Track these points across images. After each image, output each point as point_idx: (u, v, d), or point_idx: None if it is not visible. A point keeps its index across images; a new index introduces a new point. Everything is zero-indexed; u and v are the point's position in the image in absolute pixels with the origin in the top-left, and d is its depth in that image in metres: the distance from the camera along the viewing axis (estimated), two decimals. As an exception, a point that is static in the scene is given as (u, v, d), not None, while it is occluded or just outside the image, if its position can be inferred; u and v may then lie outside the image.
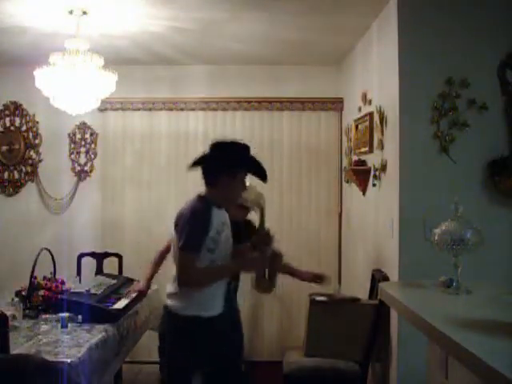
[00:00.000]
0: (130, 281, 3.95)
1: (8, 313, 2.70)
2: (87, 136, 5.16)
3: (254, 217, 3.14)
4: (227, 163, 2.63)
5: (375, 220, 3.75)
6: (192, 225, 2.54)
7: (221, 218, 2.64)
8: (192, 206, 2.60)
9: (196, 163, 2.68)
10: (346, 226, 4.88)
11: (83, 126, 5.15)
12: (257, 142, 5.03)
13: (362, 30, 4.02)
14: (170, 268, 2.77)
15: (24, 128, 5.20)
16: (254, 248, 2.77)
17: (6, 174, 5.19)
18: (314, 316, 3.38)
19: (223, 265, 2.64)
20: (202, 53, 4.68)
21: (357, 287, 4.10)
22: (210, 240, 2.55)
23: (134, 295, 3.52)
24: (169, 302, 2.65)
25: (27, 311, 3.21)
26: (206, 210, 2.58)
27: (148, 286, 3.64)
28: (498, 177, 3.11)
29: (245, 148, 2.70)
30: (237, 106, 5.05)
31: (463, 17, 3.19)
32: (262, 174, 2.72)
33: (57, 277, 3.57)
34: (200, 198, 2.65)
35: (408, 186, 3.18)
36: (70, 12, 3.58)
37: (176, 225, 2.60)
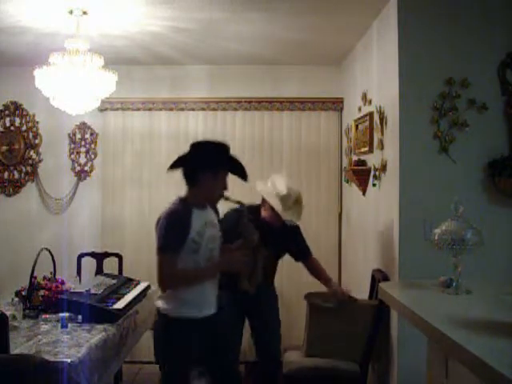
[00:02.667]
0: (130, 281, 3.95)
1: (8, 313, 2.70)
2: (87, 136, 5.16)
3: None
4: (206, 162, 2.64)
5: (375, 220, 3.75)
6: (168, 227, 2.56)
7: (204, 218, 2.65)
8: (168, 210, 2.63)
9: (176, 164, 2.69)
10: (346, 226, 4.88)
11: (83, 126, 5.15)
12: (257, 142, 5.05)
13: (362, 30, 4.02)
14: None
15: (24, 128, 5.20)
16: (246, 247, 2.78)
17: (6, 174, 5.19)
18: (314, 316, 3.38)
19: (203, 266, 2.63)
20: (202, 53, 4.68)
21: (357, 287, 4.10)
22: (190, 241, 2.56)
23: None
24: (159, 303, 2.66)
25: (27, 311, 3.21)
26: (184, 212, 2.58)
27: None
28: (498, 177, 3.11)
29: (224, 147, 2.71)
30: (237, 106, 5.05)
31: (463, 17, 3.19)
32: (241, 173, 2.74)
33: (57, 277, 3.57)
34: (180, 200, 2.67)
35: (408, 186, 3.18)
36: (70, 12, 3.58)
37: (156, 228, 2.63)
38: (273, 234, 3.28)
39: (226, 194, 2.75)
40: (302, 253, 3.56)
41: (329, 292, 3.43)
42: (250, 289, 2.92)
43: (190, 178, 2.67)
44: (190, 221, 2.57)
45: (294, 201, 3.32)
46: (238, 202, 2.84)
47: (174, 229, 2.56)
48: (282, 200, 3.27)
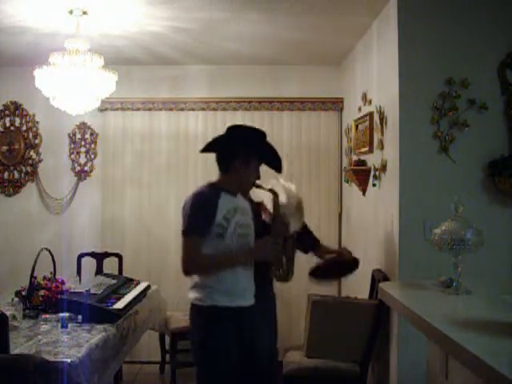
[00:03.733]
0: (130, 281, 3.95)
1: (8, 313, 2.70)
2: (87, 136, 5.16)
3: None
4: (241, 149, 2.56)
5: (375, 220, 3.75)
6: (194, 209, 2.47)
7: (233, 203, 2.55)
8: (196, 192, 2.54)
9: (209, 147, 2.61)
10: (346, 226, 4.88)
11: (83, 126, 5.15)
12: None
13: (362, 30, 4.02)
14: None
15: (24, 128, 5.20)
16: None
17: (6, 174, 5.19)
18: (314, 316, 3.38)
19: (229, 252, 2.50)
20: (202, 53, 4.68)
21: (357, 287, 4.10)
22: (217, 225, 2.47)
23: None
24: (191, 294, 2.54)
25: (27, 311, 3.21)
26: (212, 195, 2.50)
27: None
28: (498, 177, 3.11)
29: (261, 135, 2.63)
30: (237, 106, 5.05)
31: (463, 17, 3.19)
32: (276, 164, 2.66)
33: (57, 277, 3.56)
34: (209, 184, 2.59)
35: (408, 186, 3.18)
36: (70, 12, 3.58)
37: (182, 211, 2.54)
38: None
39: (258, 182, 2.66)
40: (312, 246, 3.39)
41: (336, 251, 3.36)
42: (282, 279, 2.80)
43: (222, 163, 2.59)
44: (216, 204, 2.48)
45: (293, 210, 3.26)
46: (271, 191, 2.73)
47: (199, 211, 2.46)
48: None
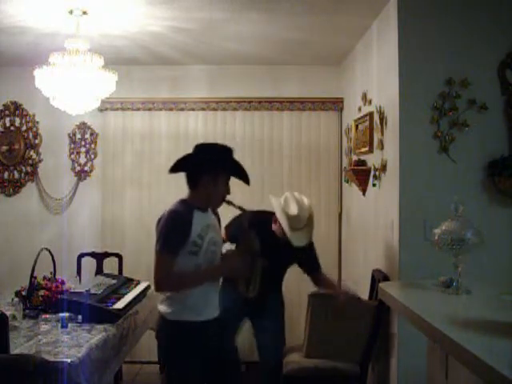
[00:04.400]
0: (130, 281, 3.95)
1: (8, 313, 2.70)
2: (87, 136, 5.16)
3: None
4: (208, 165, 2.61)
5: (375, 220, 3.75)
6: (168, 228, 2.53)
7: (205, 221, 2.62)
8: (170, 210, 2.59)
9: (177, 166, 2.65)
10: (346, 226, 4.88)
11: (83, 126, 5.15)
12: (257, 142, 5.05)
13: (362, 30, 4.02)
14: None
15: (24, 128, 5.20)
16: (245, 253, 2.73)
17: (6, 174, 5.19)
18: (315, 316, 3.38)
19: (201, 269, 2.59)
20: (202, 53, 4.68)
21: (357, 287, 4.10)
22: (191, 244, 2.52)
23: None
24: (160, 307, 2.64)
25: (27, 311, 3.21)
26: (186, 213, 2.55)
27: None
28: (498, 177, 3.11)
29: (226, 150, 2.67)
30: (237, 106, 5.05)
31: (463, 17, 3.19)
32: (243, 177, 2.70)
33: (57, 277, 3.57)
34: (181, 201, 2.64)
35: (408, 186, 3.18)
36: (70, 12, 3.58)
37: (156, 228, 2.60)
38: (280, 245, 3.24)
39: (228, 198, 2.70)
40: (311, 268, 3.51)
41: (334, 292, 3.39)
42: (247, 295, 2.84)
43: (191, 180, 2.64)
44: (191, 223, 2.54)
45: (304, 222, 3.25)
46: (240, 208, 2.78)
47: (174, 230, 2.53)
48: (289, 220, 3.20)
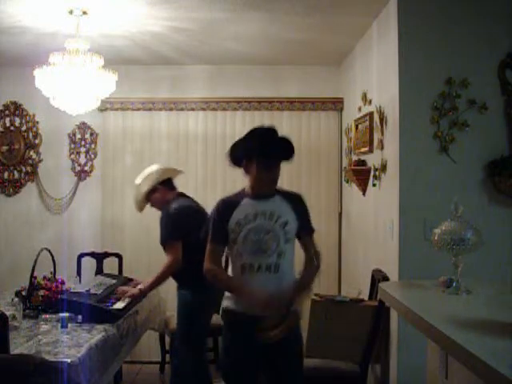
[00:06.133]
0: (130, 281, 3.94)
1: (8, 313, 2.69)
2: (87, 136, 5.16)
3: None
4: (243, 150, 2.60)
5: (375, 220, 3.75)
6: (210, 217, 2.65)
7: (255, 208, 2.54)
8: (219, 199, 2.67)
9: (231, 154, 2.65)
10: (346, 226, 4.88)
11: (83, 126, 5.15)
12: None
13: (362, 30, 4.02)
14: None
15: (24, 128, 5.20)
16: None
17: (5, 174, 5.19)
18: (315, 316, 3.38)
19: (232, 281, 2.60)
20: (202, 53, 4.68)
21: (357, 287, 4.10)
22: (230, 231, 2.55)
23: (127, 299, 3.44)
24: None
25: (27, 311, 3.21)
26: (228, 201, 2.60)
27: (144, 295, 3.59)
28: (498, 177, 3.11)
29: (263, 132, 2.64)
30: (237, 105, 5.05)
31: (463, 17, 3.19)
32: (278, 155, 2.59)
33: (57, 277, 3.57)
34: (240, 190, 2.67)
35: (408, 186, 3.18)
36: (70, 12, 3.58)
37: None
38: None
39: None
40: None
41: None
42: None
43: (239, 166, 2.64)
44: (231, 211, 2.54)
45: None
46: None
47: (213, 219, 2.61)
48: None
